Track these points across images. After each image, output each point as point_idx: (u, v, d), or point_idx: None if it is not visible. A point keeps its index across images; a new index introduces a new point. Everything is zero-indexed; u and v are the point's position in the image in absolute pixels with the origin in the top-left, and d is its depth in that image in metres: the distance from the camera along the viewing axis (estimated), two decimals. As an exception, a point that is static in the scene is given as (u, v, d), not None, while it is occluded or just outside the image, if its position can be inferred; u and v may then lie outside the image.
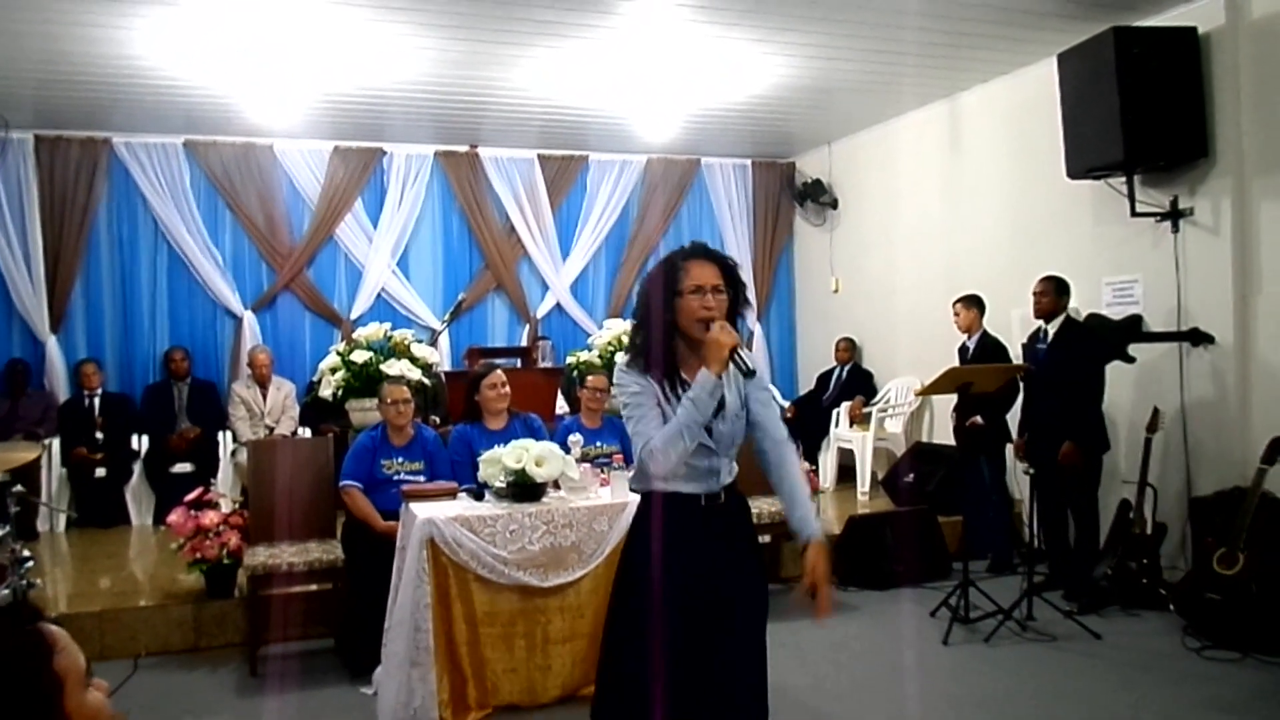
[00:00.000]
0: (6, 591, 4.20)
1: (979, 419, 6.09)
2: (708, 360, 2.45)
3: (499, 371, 5.01)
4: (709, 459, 2.54)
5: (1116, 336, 5.81)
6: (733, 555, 2.57)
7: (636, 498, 4.16)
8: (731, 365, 2.47)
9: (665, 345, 2.54)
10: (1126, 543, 5.40)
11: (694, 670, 2.46)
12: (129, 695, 4.34)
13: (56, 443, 7.23)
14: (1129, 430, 5.86)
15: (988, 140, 7.29)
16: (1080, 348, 5.54)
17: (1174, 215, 5.72)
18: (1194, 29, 5.53)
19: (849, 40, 6.11)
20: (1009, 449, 6.25)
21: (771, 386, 2.73)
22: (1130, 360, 5.75)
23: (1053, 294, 5.60)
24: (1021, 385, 5.85)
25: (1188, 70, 5.51)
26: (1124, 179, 5.79)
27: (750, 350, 2.54)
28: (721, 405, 2.51)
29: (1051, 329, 5.62)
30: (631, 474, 2.62)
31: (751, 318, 9.31)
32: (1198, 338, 5.63)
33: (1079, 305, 6.18)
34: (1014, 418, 6.07)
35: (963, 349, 6.50)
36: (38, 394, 7.52)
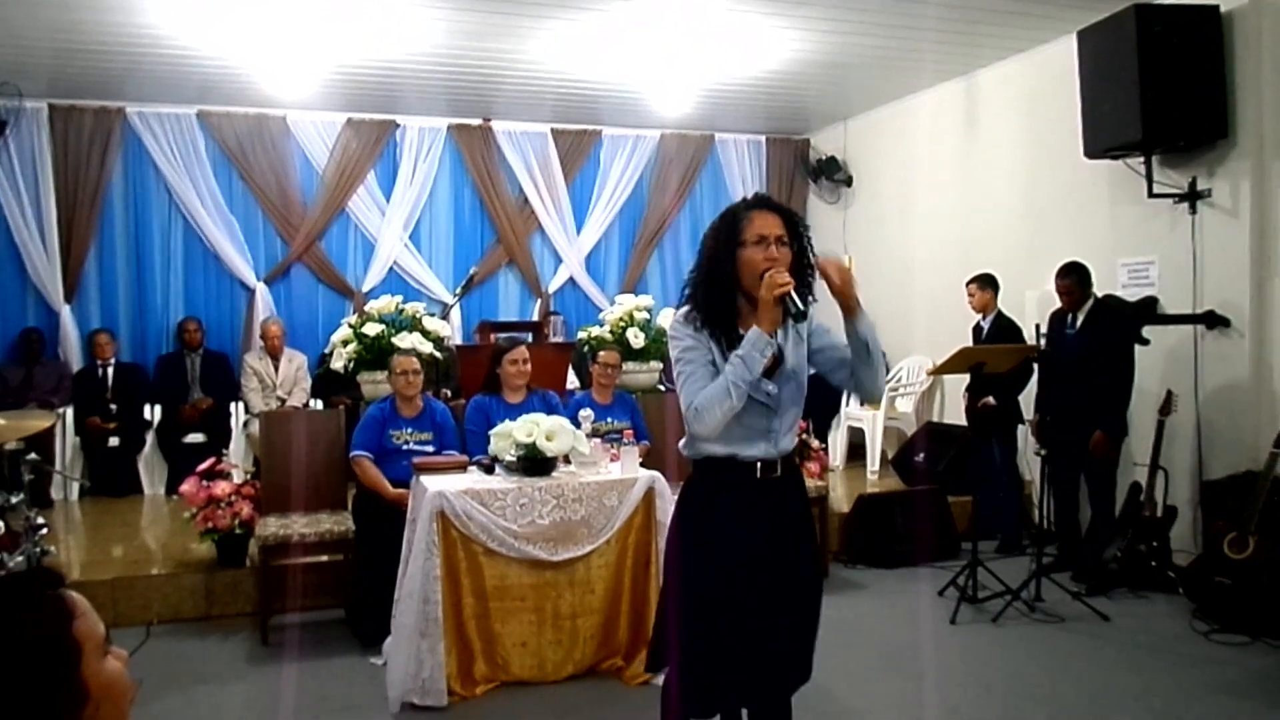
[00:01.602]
0: (21, 558, 4.24)
1: (991, 400, 6.08)
2: (759, 316, 2.33)
3: (522, 348, 5.01)
4: (767, 418, 2.45)
5: (1131, 318, 5.78)
6: (782, 539, 2.48)
7: (647, 473, 4.26)
8: (786, 315, 2.34)
9: (724, 300, 2.43)
10: (1137, 525, 5.39)
11: (742, 646, 2.41)
12: (141, 662, 4.35)
13: (70, 412, 7.28)
14: (1141, 412, 5.83)
15: (1005, 118, 7.22)
16: (1115, 326, 5.52)
17: (1192, 196, 5.67)
18: (1216, 8, 5.46)
19: (865, 15, 6.04)
20: (1020, 430, 6.24)
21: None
22: (1144, 342, 5.71)
23: (1078, 287, 5.56)
24: (1035, 367, 5.82)
25: (1209, 50, 5.43)
26: (1142, 159, 5.73)
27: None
28: (779, 363, 2.41)
29: (1080, 315, 5.57)
30: (683, 442, 2.51)
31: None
32: (1213, 320, 5.59)
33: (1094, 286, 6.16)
34: (1026, 399, 6.07)
35: (977, 329, 6.48)
36: (52, 363, 7.56)
